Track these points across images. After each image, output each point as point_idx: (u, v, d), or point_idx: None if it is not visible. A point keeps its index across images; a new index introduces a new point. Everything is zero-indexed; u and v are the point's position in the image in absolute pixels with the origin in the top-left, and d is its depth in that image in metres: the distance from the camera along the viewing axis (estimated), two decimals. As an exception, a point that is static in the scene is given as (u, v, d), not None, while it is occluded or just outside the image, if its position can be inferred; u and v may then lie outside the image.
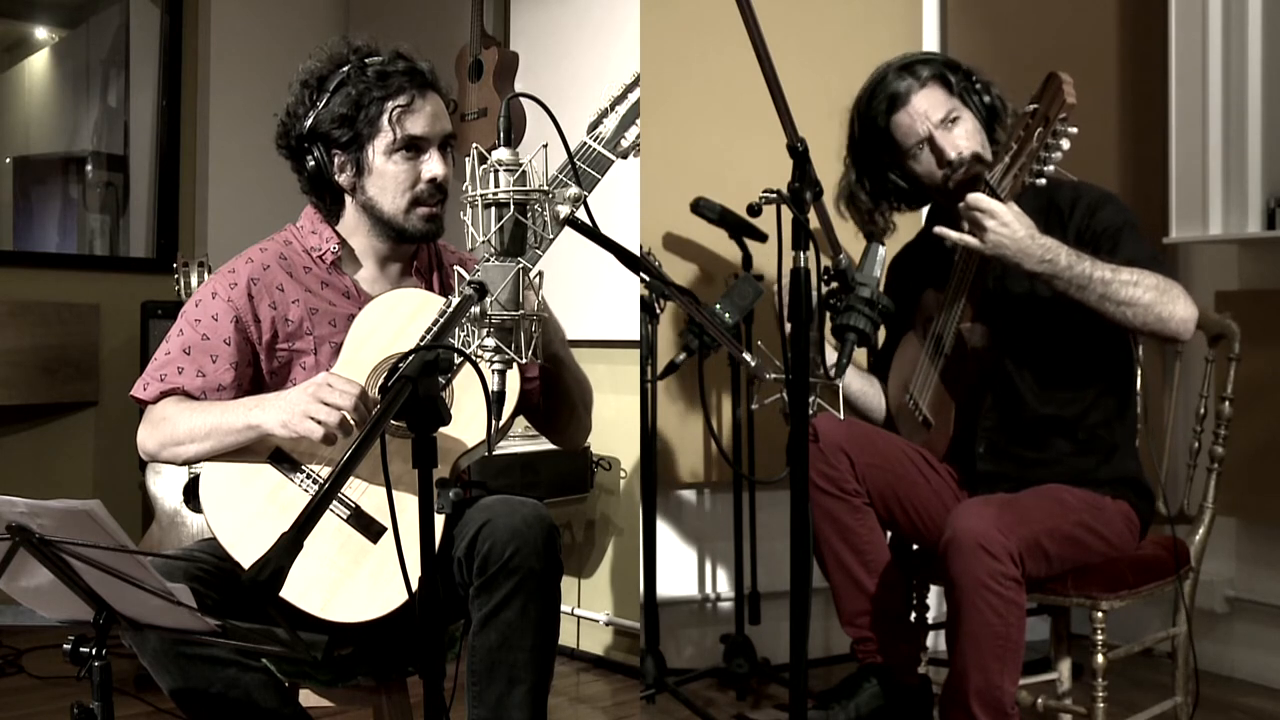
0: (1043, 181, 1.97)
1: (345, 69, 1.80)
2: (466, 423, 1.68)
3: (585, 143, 1.72)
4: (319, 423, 1.62)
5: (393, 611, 1.63)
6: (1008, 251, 1.95)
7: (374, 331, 1.77)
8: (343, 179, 1.84)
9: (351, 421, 1.63)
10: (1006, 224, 1.95)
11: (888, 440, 2.26)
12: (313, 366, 1.84)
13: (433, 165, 1.82)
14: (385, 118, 1.79)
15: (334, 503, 1.66)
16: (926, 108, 2.12)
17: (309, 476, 1.72)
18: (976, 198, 1.97)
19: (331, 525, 1.67)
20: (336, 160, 1.83)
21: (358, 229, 1.89)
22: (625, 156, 1.74)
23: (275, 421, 1.66)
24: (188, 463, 1.78)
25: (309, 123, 1.81)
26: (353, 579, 1.64)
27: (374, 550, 1.66)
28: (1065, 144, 1.93)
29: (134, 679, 2.84)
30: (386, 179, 1.82)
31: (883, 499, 2.20)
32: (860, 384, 2.36)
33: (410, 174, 1.82)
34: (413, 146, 1.81)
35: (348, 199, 1.87)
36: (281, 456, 1.73)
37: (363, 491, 1.70)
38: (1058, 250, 1.95)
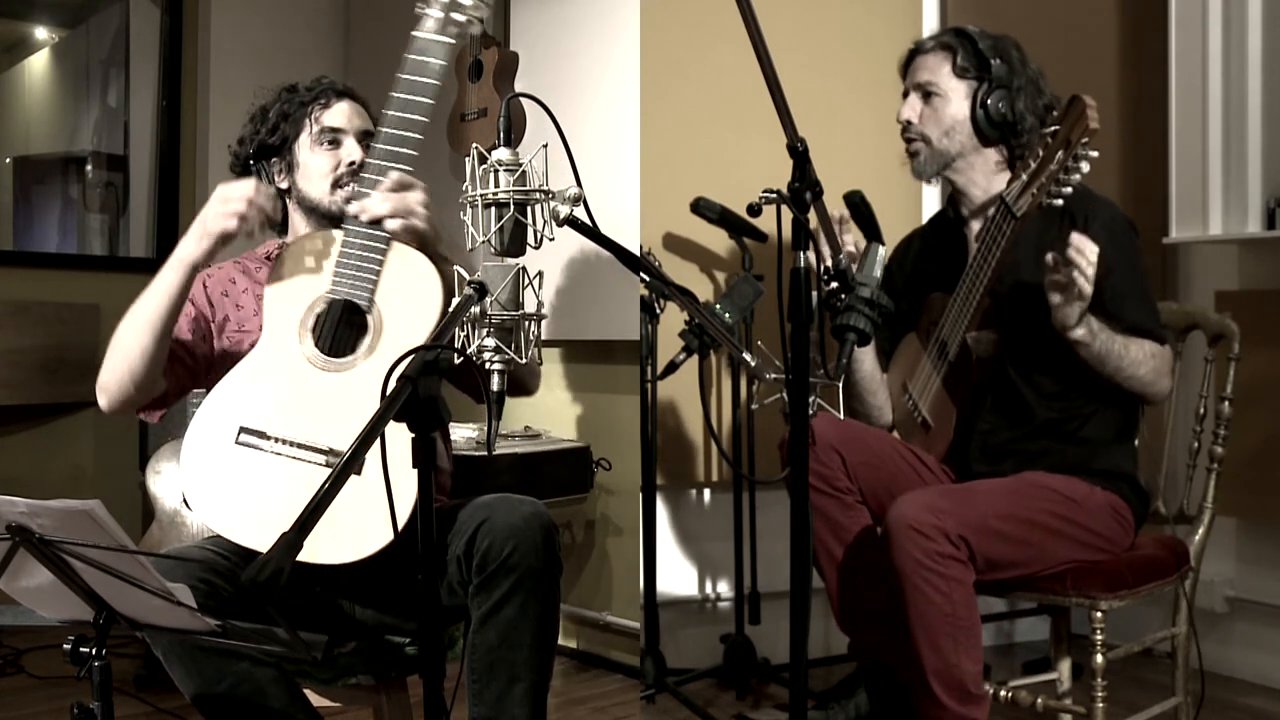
0: (1059, 202, 2.01)
1: (281, 97, 2.03)
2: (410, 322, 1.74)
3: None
4: (231, 215, 1.75)
5: (380, 555, 1.62)
6: (1067, 318, 1.95)
7: (290, 287, 1.82)
8: (283, 183, 2.01)
9: (256, 210, 1.76)
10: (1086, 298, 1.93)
11: (880, 439, 2.25)
12: None
13: (351, 152, 1.97)
14: (307, 118, 1.99)
15: (311, 455, 1.69)
16: (917, 67, 2.21)
17: (278, 440, 1.73)
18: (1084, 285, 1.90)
19: (313, 475, 1.67)
20: (275, 167, 2.01)
21: (299, 230, 2.02)
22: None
23: (193, 243, 1.77)
24: (146, 376, 1.85)
25: (254, 147, 2.02)
26: (334, 520, 1.62)
27: (356, 484, 1.65)
28: (1085, 167, 1.97)
29: (134, 679, 2.84)
30: (311, 169, 1.98)
31: (875, 497, 2.19)
32: (877, 398, 2.36)
33: (331, 160, 1.98)
34: (333, 138, 1.98)
35: (288, 202, 2.02)
36: (247, 431, 1.74)
37: (338, 437, 1.70)
38: (1091, 321, 1.97)
